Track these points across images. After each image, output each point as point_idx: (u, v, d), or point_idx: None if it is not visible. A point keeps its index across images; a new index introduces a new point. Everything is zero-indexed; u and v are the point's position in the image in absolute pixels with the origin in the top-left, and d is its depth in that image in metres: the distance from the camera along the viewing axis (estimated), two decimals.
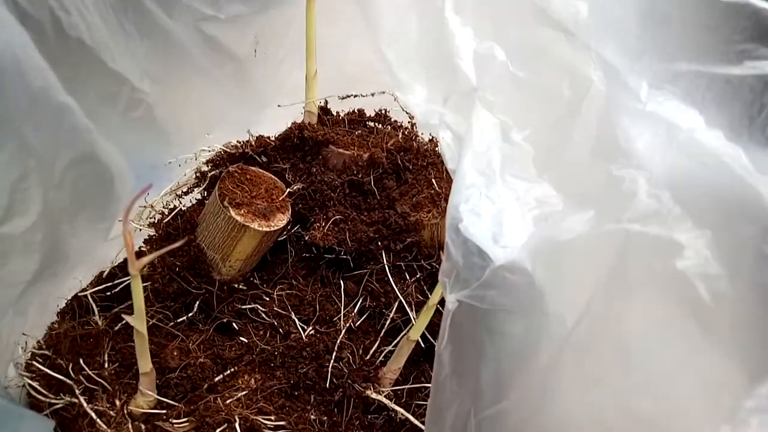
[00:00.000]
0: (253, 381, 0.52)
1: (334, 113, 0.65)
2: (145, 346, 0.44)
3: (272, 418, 0.49)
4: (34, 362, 0.53)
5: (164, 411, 0.49)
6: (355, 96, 0.63)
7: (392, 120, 0.65)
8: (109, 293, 0.58)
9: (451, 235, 0.36)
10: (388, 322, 0.56)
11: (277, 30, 0.72)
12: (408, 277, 0.56)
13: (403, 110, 0.62)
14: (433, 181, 0.57)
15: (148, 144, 0.64)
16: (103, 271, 0.61)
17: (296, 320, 0.55)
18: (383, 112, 0.65)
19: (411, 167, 0.58)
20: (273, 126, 0.64)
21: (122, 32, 0.56)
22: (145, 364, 0.46)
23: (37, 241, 0.50)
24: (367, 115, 0.66)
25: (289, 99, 0.64)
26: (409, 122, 0.63)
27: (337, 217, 0.56)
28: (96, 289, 0.59)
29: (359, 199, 0.58)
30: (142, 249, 0.58)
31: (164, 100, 0.62)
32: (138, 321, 0.42)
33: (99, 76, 0.54)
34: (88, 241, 0.59)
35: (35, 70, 0.45)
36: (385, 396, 0.52)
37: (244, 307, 0.56)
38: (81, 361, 0.50)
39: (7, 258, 0.46)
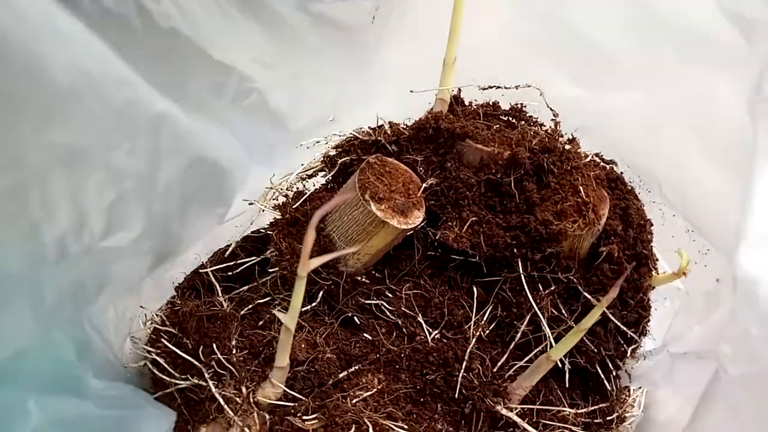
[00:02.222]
0: (376, 381, 0.50)
1: (467, 103, 0.61)
2: (289, 342, 0.43)
3: (402, 425, 0.47)
4: (160, 339, 0.52)
5: (291, 404, 0.48)
6: (498, 87, 0.59)
7: (528, 116, 0.61)
8: (230, 273, 0.57)
9: (741, 295, 0.32)
10: (519, 335, 0.53)
11: (395, 7, 0.68)
12: (542, 289, 0.53)
13: (547, 106, 0.57)
14: (580, 188, 0.52)
15: (262, 129, 0.61)
16: (223, 250, 0.60)
17: (423, 322, 0.53)
18: (519, 106, 0.61)
19: (555, 170, 0.53)
20: (392, 111, 0.61)
21: (223, 17, 0.51)
22: (283, 358, 0.44)
23: (147, 247, 0.47)
24: (502, 108, 0.61)
25: (411, 83, 0.60)
26: (552, 120, 0.58)
27: (473, 218, 0.53)
28: (217, 267, 0.58)
29: (495, 200, 0.54)
30: (268, 232, 0.56)
31: (278, 85, 0.59)
32: (290, 320, 0.40)
33: (200, 69, 0.49)
34: (202, 227, 0.57)
35: (117, 83, 0.38)
36: (516, 413, 0.49)
37: (368, 302, 0.54)
38: (213, 344, 0.49)
39: (118, 262, 0.43)
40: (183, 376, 0.50)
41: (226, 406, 0.47)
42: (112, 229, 0.42)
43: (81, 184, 0.37)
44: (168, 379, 0.50)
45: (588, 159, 0.56)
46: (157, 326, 0.54)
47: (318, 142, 0.59)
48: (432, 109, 0.60)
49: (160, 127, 0.43)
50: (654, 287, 0.55)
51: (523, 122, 0.61)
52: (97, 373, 0.43)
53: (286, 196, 0.58)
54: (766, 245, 0.35)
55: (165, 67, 0.45)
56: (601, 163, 0.58)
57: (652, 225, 0.56)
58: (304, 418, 0.46)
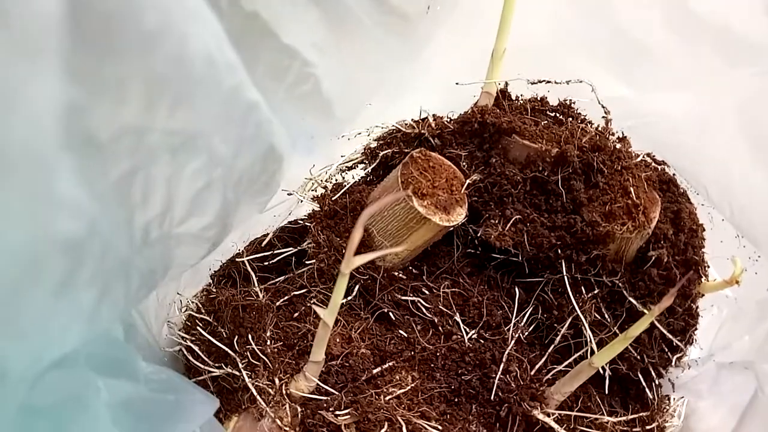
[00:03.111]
0: (411, 379, 0.49)
1: (514, 98, 0.60)
2: (326, 338, 0.42)
3: (435, 425, 0.46)
4: (195, 326, 0.52)
5: (324, 398, 0.47)
6: (546, 82, 0.57)
7: (577, 112, 0.59)
8: (267, 263, 0.57)
9: None
10: (558, 338, 0.51)
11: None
12: (585, 292, 0.51)
13: (599, 103, 0.55)
14: (631, 189, 0.50)
15: (309, 116, 0.60)
16: (261, 239, 0.60)
17: (460, 321, 0.52)
18: (568, 102, 0.59)
19: (605, 170, 0.51)
20: (435, 103, 0.60)
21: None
22: (319, 353, 0.44)
23: (210, 236, 0.47)
24: (550, 104, 0.59)
25: (457, 75, 0.59)
26: (603, 117, 0.56)
27: (517, 216, 0.52)
28: (254, 256, 0.57)
29: (541, 198, 0.52)
30: (306, 223, 0.56)
31: (331, 71, 0.58)
32: (330, 315, 0.40)
33: (270, 51, 0.48)
34: (245, 215, 0.57)
35: (227, 68, 0.37)
36: (553, 419, 0.48)
37: (404, 298, 0.53)
38: (248, 335, 0.49)
39: (180, 248, 0.43)
40: (217, 365, 0.50)
41: (258, 397, 0.47)
42: (190, 215, 0.42)
43: (180, 171, 0.37)
44: (202, 366, 0.50)
45: (639, 159, 0.54)
46: (193, 313, 0.54)
47: (359, 133, 0.58)
48: (477, 102, 0.58)
49: (250, 115, 0.42)
50: (703, 295, 0.52)
51: (571, 119, 0.58)
52: (141, 357, 0.43)
53: (325, 187, 0.57)
54: None
55: (247, 50, 0.42)
56: (653, 164, 0.56)
57: (704, 230, 0.53)
58: (337, 413, 0.46)
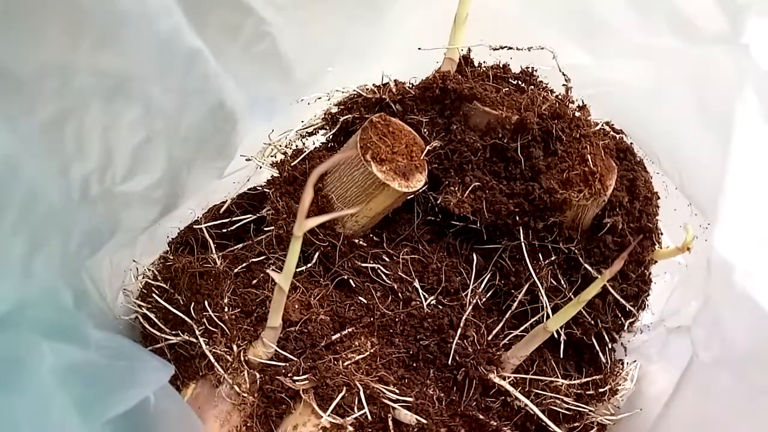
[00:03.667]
0: (370, 345, 0.50)
1: (477, 64, 0.59)
2: (282, 302, 0.42)
3: (393, 389, 0.46)
4: (151, 294, 0.52)
5: (282, 364, 0.47)
6: (509, 48, 0.56)
7: (539, 80, 0.59)
8: (225, 230, 0.56)
9: (715, 279, 0.31)
10: (516, 304, 0.52)
11: None
12: (542, 259, 0.52)
13: (560, 71, 0.55)
14: (588, 156, 0.50)
15: (268, 78, 0.59)
16: (219, 206, 0.59)
17: (419, 288, 0.52)
18: (530, 69, 0.59)
19: (563, 137, 0.51)
20: (397, 67, 0.59)
21: None
22: (276, 318, 0.43)
23: (159, 195, 0.46)
24: (512, 71, 0.59)
25: (419, 40, 0.58)
26: (563, 85, 0.56)
27: (476, 183, 0.52)
28: (212, 223, 0.56)
29: (500, 166, 0.52)
30: (264, 190, 0.55)
31: (290, 31, 0.56)
32: (284, 280, 0.39)
33: (222, 7, 0.46)
34: (202, 179, 0.56)
35: (161, 8, 0.36)
36: (508, 382, 0.49)
37: (364, 265, 0.53)
38: (204, 301, 0.48)
39: (128, 209, 0.42)
40: (173, 332, 0.49)
41: (216, 364, 0.47)
42: (133, 172, 0.41)
43: (116, 119, 0.36)
44: (158, 334, 0.50)
45: (598, 128, 0.54)
46: (149, 281, 0.53)
47: (319, 98, 0.57)
48: (440, 68, 0.57)
49: (192, 65, 0.41)
50: (656, 261, 0.54)
51: (533, 87, 0.58)
52: (93, 323, 0.42)
53: (285, 153, 0.56)
54: (740, 228, 0.34)
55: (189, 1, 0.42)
56: (611, 133, 0.56)
57: (659, 198, 0.54)
58: (295, 378, 0.46)
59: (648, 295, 0.54)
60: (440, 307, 0.51)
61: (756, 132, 0.36)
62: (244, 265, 0.52)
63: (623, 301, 0.52)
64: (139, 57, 0.34)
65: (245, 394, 0.46)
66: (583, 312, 0.51)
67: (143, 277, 0.55)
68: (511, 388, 0.48)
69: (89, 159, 0.34)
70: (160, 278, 0.53)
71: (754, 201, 0.35)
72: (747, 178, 0.36)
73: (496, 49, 0.57)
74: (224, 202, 0.58)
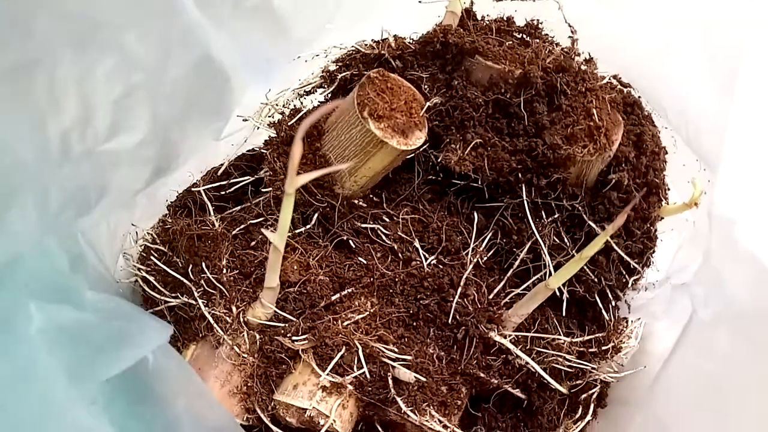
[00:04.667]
0: (369, 305, 0.49)
1: (479, 18, 0.57)
2: (279, 262, 0.42)
3: (392, 347, 0.46)
4: (150, 257, 0.51)
5: (281, 324, 0.47)
6: (512, 0, 0.54)
7: (544, 33, 0.57)
8: (223, 192, 0.56)
9: (716, 235, 0.29)
10: (517, 263, 0.51)
11: None
12: (545, 217, 0.51)
13: (565, 22, 0.53)
14: (593, 111, 0.49)
15: (263, 36, 0.57)
16: (217, 168, 0.58)
17: (419, 247, 0.51)
18: (535, 22, 0.56)
19: (568, 91, 0.50)
20: (398, 22, 0.57)
21: None
22: (273, 278, 0.43)
23: (149, 155, 0.45)
24: (516, 24, 0.57)
25: None
26: (569, 37, 0.54)
27: (477, 140, 0.50)
28: (210, 186, 0.56)
29: (503, 122, 0.51)
30: (262, 150, 0.54)
31: None
32: (279, 239, 0.39)
33: None
34: (199, 140, 0.55)
35: None
36: (509, 340, 0.48)
37: (364, 225, 0.52)
38: (202, 263, 0.48)
39: (117, 169, 0.41)
40: (173, 295, 0.49)
41: (215, 325, 0.47)
42: (116, 129, 0.40)
43: (90, 69, 0.34)
44: (158, 296, 0.50)
45: (605, 81, 0.52)
46: (148, 244, 0.53)
47: (317, 55, 0.56)
48: (441, 22, 0.55)
49: (172, 14, 0.39)
50: (662, 218, 0.52)
51: (537, 40, 0.56)
52: (91, 287, 0.42)
53: (282, 113, 0.55)
54: (742, 183, 0.33)
55: None
56: (619, 86, 0.54)
57: (666, 153, 0.53)
58: (294, 338, 0.46)
59: (653, 252, 0.52)
60: (440, 266, 0.51)
61: (760, 86, 0.34)
62: (242, 226, 0.51)
63: (627, 258, 0.51)
64: (108, 1, 0.32)
65: (245, 355, 0.46)
66: (586, 269, 0.50)
67: (143, 241, 0.54)
68: (511, 346, 0.48)
69: (65, 113, 0.33)
70: (159, 241, 0.53)
71: (757, 157, 0.34)
72: (749, 132, 0.34)
73: (499, 1, 0.55)
74: (222, 165, 0.57)
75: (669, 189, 0.53)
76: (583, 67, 0.52)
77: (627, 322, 0.55)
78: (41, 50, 0.30)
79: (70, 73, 0.32)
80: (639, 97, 0.54)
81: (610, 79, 0.54)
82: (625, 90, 0.54)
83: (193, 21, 0.39)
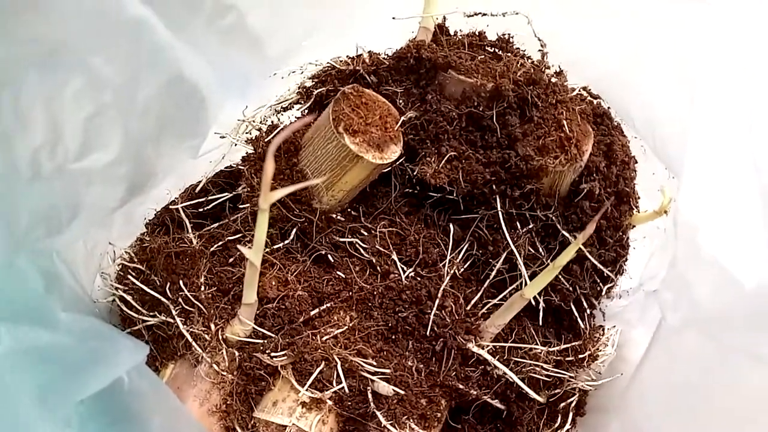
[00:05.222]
0: (348, 318, 0.50)
1: (452, 33, 0.58)
2: (256, 278, 0.42)
3: (371, 361, 0.46)
4: (127, 276, 0.51)
5: (260, 341, 0.47)
6: (483, 15, 0.55)
7: (515, 47, 0.58)
8: (201, 209, 0.56)
9: (681, 241, 0.30)
10: (494, 273, 0.52)
11: None
12: (520, 227, 0.52)
13: (535, 36, 0.54)
14: (564, 122, 0.50)
15: (238, 54, 0.57)
16: (195, 185, 0.58)
17: (397, 260, 0.52)
18: (506, 36, 0.58)
19: (539, 104, 0.51)
20: (372, 38, 0.58)
21: None
22: (251, 295, 0.43)
23: (122, 173, 0.45)
24: (488, 39, 0.58)
25: (393, 9, 0.57)
26: (539, 50, 0.55)
27: (452, 153, 0.51)
28: (188, 203, 0.56)
29: (476, 134, 0.52)
30: (240, 167, 0.54)
31: (257, 5, 0.55)
32: (255, 255, 0.39)
33: None
34: (176, 159, 0.55)
35: None
36: (487, 351, 0.49)
37: (342, 239, 0.52)
38: (180, 281, 0.48)
39: (90, 187, 0.41)
40: (151, 314, 0.49)
41: (194, 343, 0.47)
42: (87, 148, 0.40)
43: (57, 90, 0.35)
44: (136, 316, 0.49)
45: (574, 93, 0.53)
46: (125, 263, 0.53)
47: (293, 71, 0.56)
48: (415, 38, 0.56)
49: (141, 35, 0.39)
50: (634, 226, 0.53)
51: (509, 54, 0.57)
52: (65, 307, 0.42)
53: (260, 129, 0.55)
54: (705, 192, 0.34)
55: None
56: (588, 98, 0.55)
57: (636, 162, 0.54)
58: (273, 354, 0.46)
59: (626, 259, 0.53)
60: (418, 279, 0.51)
61: (719, 93, 0.35)
62: (219, 243, 0.51)
63: (601, 267, 0.52)
64: (72, 24, 0.33)
65: (224, 373, 0.46)
66: (561, 278, 0.51)
67: (120, 260, 0.54)
68: (489, 357, 0.48)
69: (33, 132, 0.33)
70: (136, 260, 0.53)
71: (718, 162, 0.35)
72: (710, 139, 0.35)
73: (470, 16, 0.56)
74: (200, 182, 0.58)
75: (639, 197, 0.54)
76: (554, 80, 0.53)
77: (603, 329, 0.56)
78: (5, 74, 0.30)
79: (37, 95, 0.32)
80: (608, 108, 0.55)
81: (579, 90, 0.55)
82: (594, 101, 0.56)
83: (163, 41, 0.40)
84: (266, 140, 0.53)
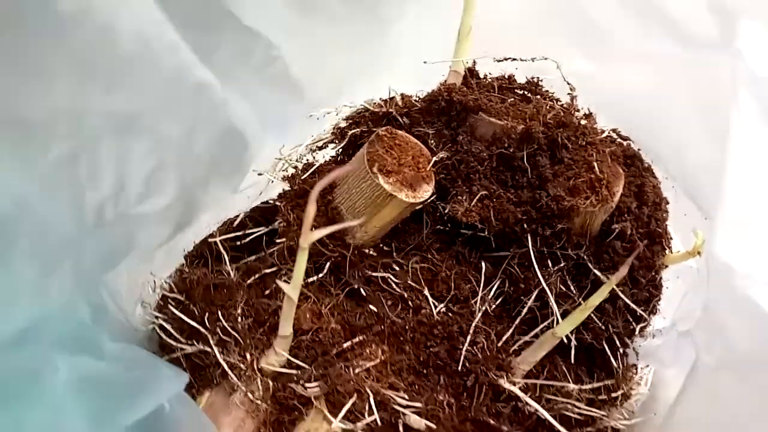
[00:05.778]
0: (380, 352, 0.50)
1: (482, 76, 0.60)
2: (292, 312, 0.43)
3: (403, 394, 0.47)
4: (167, 305, 0.53)
5: (294, 372, 0.48)
6: (513, 59, 0.57)
7: (544, 90, 0.60)
8: (238, 243, 0.58)
9: (715, 284, 0.31)
10: (525, 311, 0.52)
11: None
12: (551, 266, 0.52)
13: (564, 80, 0.56)
14: (594, 164, 0.51)
15: (279, 99, 0.60)
16: (233, 219, 0.60)
17: (428, 296, 0.53)
18: (535, 80, 0.59)
19: (569, 145, 0.52)
20: (404, 81, 0.60)
21: None
22: (287, 327, 0.45)
23: (173, 215, 0.48)
24: (517, 82, 0.60)
25: (425, 54, 0.59)
26: (568, 94, 0.57)
27: (483, 192, 0.52)
28: (225, 237, 0.58)
29: (507, 175, 0.53)
30: (276, 203, 0.56)
31: (300, 54, 0.58)
32: (293, 290, 0.40)
33: (230, 33, 0.49)
34: (218, 195, 0.57)
35: (168, 47, 0.38)
36: (518, 387, 0.49)
37: (374, 274, 0.54)
38: (218, 312, 0.49)
39: (143, 230, 0.44)
40: (189, 342, 0.51)
41: (230, 372, 0.48)
42: (146, 195, 0.43)
43: (128, 151, 0.38)
44: (174, 344, 0.51)
45: (604, 135, 0.55)
46: (165, 293, 0.55)
47: (328, 113, 0.59)
48: (445, 81, 0.59)
49: (201, 95, 0.43)
50: (667, 266, 0.54)
51: (538, 96, 0.59)
52: (111, 336, 0.44)
53: (296, 167, 0.58)
54: (740, 233, 0.35)
55: (199, 30, 0.43)
56: (618, 140, 0.57)
57: (668, 203, 0.54)
58: (306, 385, 0.47)
59: (659, 299, 0.53)
60: (450, 314, 0.52)
61: (753, 135, 0.36)
62: (256, 276, 0.53)
63: (634, 306, 0.52)
64: (146, 96, 0.36)
65: (258, 402, 0.47)
66: (593, 317, 0.51)
67: (160, 290, 0.56)
68: (521, 393, 0.49)
69: (102, 188, 0.36)
70: (176, 290, 0.54)
71: (753, 204, 0.35)
72: (745, 181, 0.36)
73: (500, 61, 0.58)
74: (238, 216, 0.60)
75: (672, 238, 0.54)
76: (583, 122, 0.54)
77: (636, 368, 0.56)
78: (86, 142, 0.33)
79: (110, 156, 0.35)
80: (638, 149, 0.56)
81: (609, 132, 0.56)
82: (624, 143, 0.57)
83: (218, 99, 0.43)
84: (302, 177, 0.55)
